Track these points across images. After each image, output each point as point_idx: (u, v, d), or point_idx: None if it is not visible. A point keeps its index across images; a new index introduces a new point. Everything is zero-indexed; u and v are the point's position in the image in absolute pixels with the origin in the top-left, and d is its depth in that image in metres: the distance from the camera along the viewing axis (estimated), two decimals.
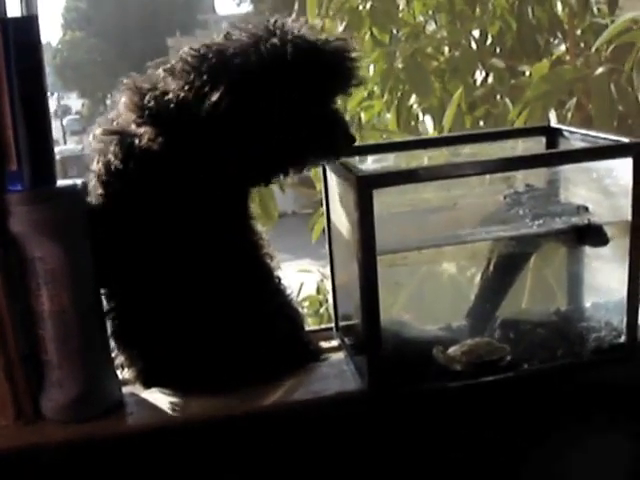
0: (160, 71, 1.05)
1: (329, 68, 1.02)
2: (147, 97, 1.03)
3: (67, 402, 1.04)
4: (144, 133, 1.01)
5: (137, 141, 1.02)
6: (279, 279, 1.15)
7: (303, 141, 1.02)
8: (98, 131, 1.07)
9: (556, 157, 1.11)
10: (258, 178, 1.07)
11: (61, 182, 1.02)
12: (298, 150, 1.03)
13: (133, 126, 1.03)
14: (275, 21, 1.02)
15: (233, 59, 0.99)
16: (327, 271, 3.49)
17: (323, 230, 3.11)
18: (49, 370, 1.04)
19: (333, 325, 1.25)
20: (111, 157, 1.03)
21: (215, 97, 0.97)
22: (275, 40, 0.99)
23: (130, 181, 1.03)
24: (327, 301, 3.17)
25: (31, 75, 0.98)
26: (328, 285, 3.30)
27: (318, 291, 3.22)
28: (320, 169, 1.16)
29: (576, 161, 1.08)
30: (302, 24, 1.04)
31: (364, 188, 0.95)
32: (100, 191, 1.05)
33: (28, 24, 0.98)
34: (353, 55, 1.04)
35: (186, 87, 1.00)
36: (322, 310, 3.03)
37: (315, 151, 1.05)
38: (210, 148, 1.01)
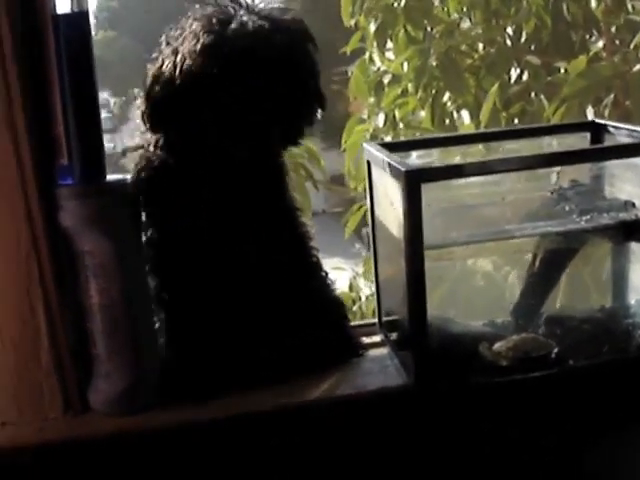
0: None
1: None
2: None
3: (114, 395, 1.05)
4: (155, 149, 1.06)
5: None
6: (326, 273, 1.16)
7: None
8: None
9: (603, 152, 1.10)
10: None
11: (110, 176, 1.03)
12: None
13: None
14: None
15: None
16: (359, 269, 3.48)
17: (356, 228, 3.13)
18: (97, 363, 1.05)
19: (376, 320, 1.25)
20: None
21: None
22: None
23: (172, 177, 1.06)
24: (360, 299, 3.18)
25: (82, 71, 1.00)
26: (361, 282, 3.30)
27: (351, 288, 3.23)
28: (365, 165, 1.16)
29: (623, 156, 1.07)
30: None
31: (412, 182, 0.95)
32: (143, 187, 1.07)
33: (79, 20, 1.00)
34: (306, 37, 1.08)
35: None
36: (355, 308, 3.04)
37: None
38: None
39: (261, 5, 1.05)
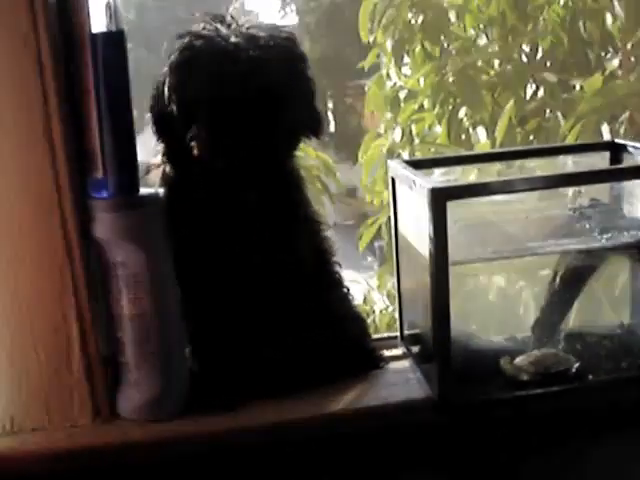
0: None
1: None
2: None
3: (144, 402, 1.08)
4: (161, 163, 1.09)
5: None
6: (347, 288, 1.18)
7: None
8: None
9: (623, 172, 1.13)
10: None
11: (143, 190, 1.06)
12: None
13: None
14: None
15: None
16: (372, 281, 3.50)
17: (370, 241, 3.15)
18: (127, 371, 1.08)
19: (397, 334, 1.27)
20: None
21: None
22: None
23: (185, 190, 1.09)
24: (374, 312, 3.20)
25: (117, 88, 1.02)
26: (374, 296, 3.31)
27: (365, 301, 3.25)
28: (390, 183, 1.19)
29: None
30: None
31: (438, 200, 0.98)
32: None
33: (115, 39, 1.03)
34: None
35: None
36: (369, 320, 3.06)
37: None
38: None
39: (252, 22, 1.06)
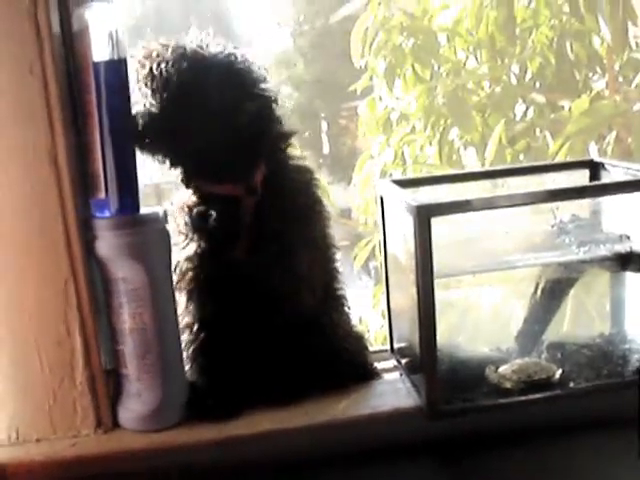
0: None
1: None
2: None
3: (145, 412, 1.12)
4: None
5: None
6: (349, 307, 1.24)
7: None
8: None
9: (600, 189, 1.18)
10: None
11: (144, 209, 1.11)
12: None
13: None
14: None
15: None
16: (367, 301, 3.51)
17: (364, 261, 3.18)
18: (127, 383, 1.13)
19: (388, 347, 1.32)
20: None
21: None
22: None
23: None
24: (369, 331, 3.23)
25: (119, 112, 1.08)
26: (369, 315, 3.33)
27: (360, 321, 3.28)
28: (378, 201, 1.24)
29: (619, 192, 1.15)
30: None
31: (423, 216, 1.03)
32: None
33: (117, 66, 1.08)
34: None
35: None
36: None
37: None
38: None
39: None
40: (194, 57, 1.09)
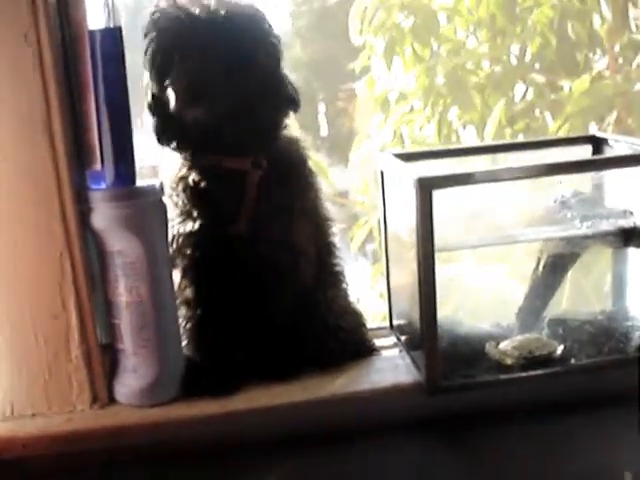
0: None
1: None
2: None
3: (140, 387, 1.11)
4: None
5: None
6: (347, 284, 1.22)
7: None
8: None
9: (603, 163, 1.17)
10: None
11: (140, 182, 1.09)
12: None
13: None
14: None
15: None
16: (364, 282, 3.50)
17: (362, 244, 3.17)
18: (124, 357, 1.11)
19: (387, 324, 1.31)
20: None
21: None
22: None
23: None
24: (366, 312, 3.23)
25: (115, 82, 1.06)
26: (367, 297, 3.33)
27: (357, 302, 3.27)
28: (378, 174, 1.22)
29: (621, 166, 1.13)
30: None
31: (425, 189, 1.01)
32: None
33: (112, 35, 1.06)
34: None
35: None
36: None
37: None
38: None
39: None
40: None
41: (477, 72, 3.14)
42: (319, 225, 1.20)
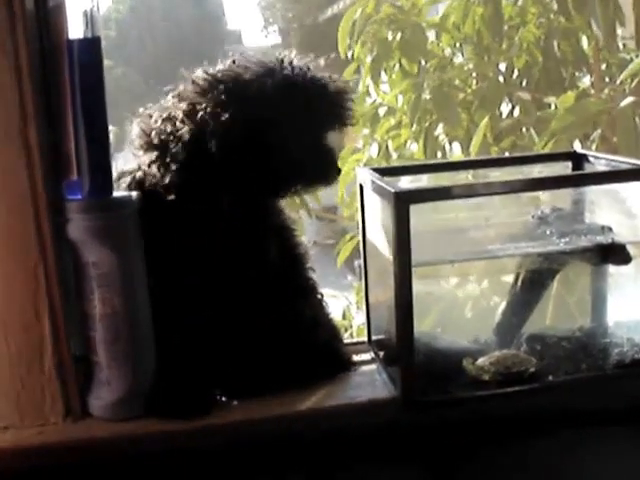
0: (169, 97, 1.12)
1: (331, 104, 1.12)
2: (153, 133, 1.10)
3: (114, 401, 1.10)
4: (154, 172, 1.10)
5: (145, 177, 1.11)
6: (321, 294, 1.21)
7: (299, 166, 1.11)
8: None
9: (581, 179, 1.17)
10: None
11: (117, 193, 1.09)
12: (294, 173, 1.12)
13: (144, 164, 1.12)
14: (284, 56, 1.12)
15: (250, 83, 1.07)
16: (352, 297, 3.52)
17: (347, 259, 3.17)
18: (98, 370, 1.10)
19: (366, 339, 1.30)
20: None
21: (227, 117, 1.05)
22: (287, 71, 1.09)
23: (152, 212, 1.11)
24: (351, 327, 3.22)
25: (92, 92, 1.05)
26: (353, 311, 3.33)
27: (344, 317, 3.27)
28: (358, 189, 1.22)
29: (599, 183, 1.14)
30: (308, 61, 1.13)
31: (401, 203, 1.01)
32: None
33: (91, 45, 1.05)
34: (351, 96, 1.14)
35: (198, 107, 1.07)
36: (347, 334, 3.08)
37: (308, 175, 1.14)
38: (220, 170, 1.08)
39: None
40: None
41: (464, 89, 3.16)
42: (282, 235, 1.19)
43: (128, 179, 1.13)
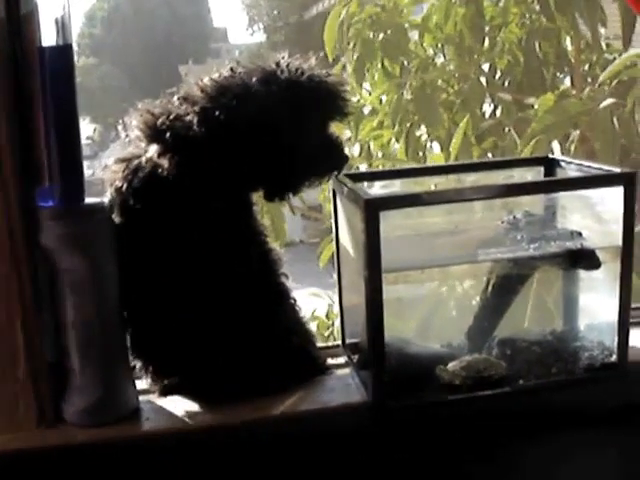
0: (174, 99, 1.13)
1: (333, 98, 1.15)
2: (160, 120, 1.10)
3: (87, 407, 1.10)
4: (164, 161, 1.09)
5: (145, 164, 1.11)
6: (294, 299, 1.22)
7: (313, 159, 1.14)
8: (111, 161, 1.14)
9: (551, 185, 1.18)
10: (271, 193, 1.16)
11: (89, 199, 1.09)
12: (309, 168, 1.16)
13: (148, 152, 1.11)
14: (280, 59, 1.14)
15: (257, 89, 1.09)
16: (335, 297, 3.52)
17: (331, 258, 3.18)
18: (71, 377, 1.10)
19: (340, 342, 1.31)
20: (120, 182, 1.11)
21: (241, 123, 1.07)
22: (288, 74, 1.12)
23: (143, 203, 1.10)
24: (333, 324, 3.23)
25: (64, 99, 1.05)
26: (336, 308, 3.34)
27: (327, 316, 3.28)
28: (330, 195, 1.23)
29: (570, 189, 1.15)
30: (302, 61, 1.15)
31: (372, 210, 1.02)
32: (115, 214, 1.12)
33: (63, 52, 1.06)
34: (348, 88, 1.20)
35: (207, 109, 1.08)
36: (327, 333, 3.09)
37: (318, 168, 1.17)
38: (226, 167, 1.09)
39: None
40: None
41: (446, 89, 3.17)
42: (256, 241, 1.19)
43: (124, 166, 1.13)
